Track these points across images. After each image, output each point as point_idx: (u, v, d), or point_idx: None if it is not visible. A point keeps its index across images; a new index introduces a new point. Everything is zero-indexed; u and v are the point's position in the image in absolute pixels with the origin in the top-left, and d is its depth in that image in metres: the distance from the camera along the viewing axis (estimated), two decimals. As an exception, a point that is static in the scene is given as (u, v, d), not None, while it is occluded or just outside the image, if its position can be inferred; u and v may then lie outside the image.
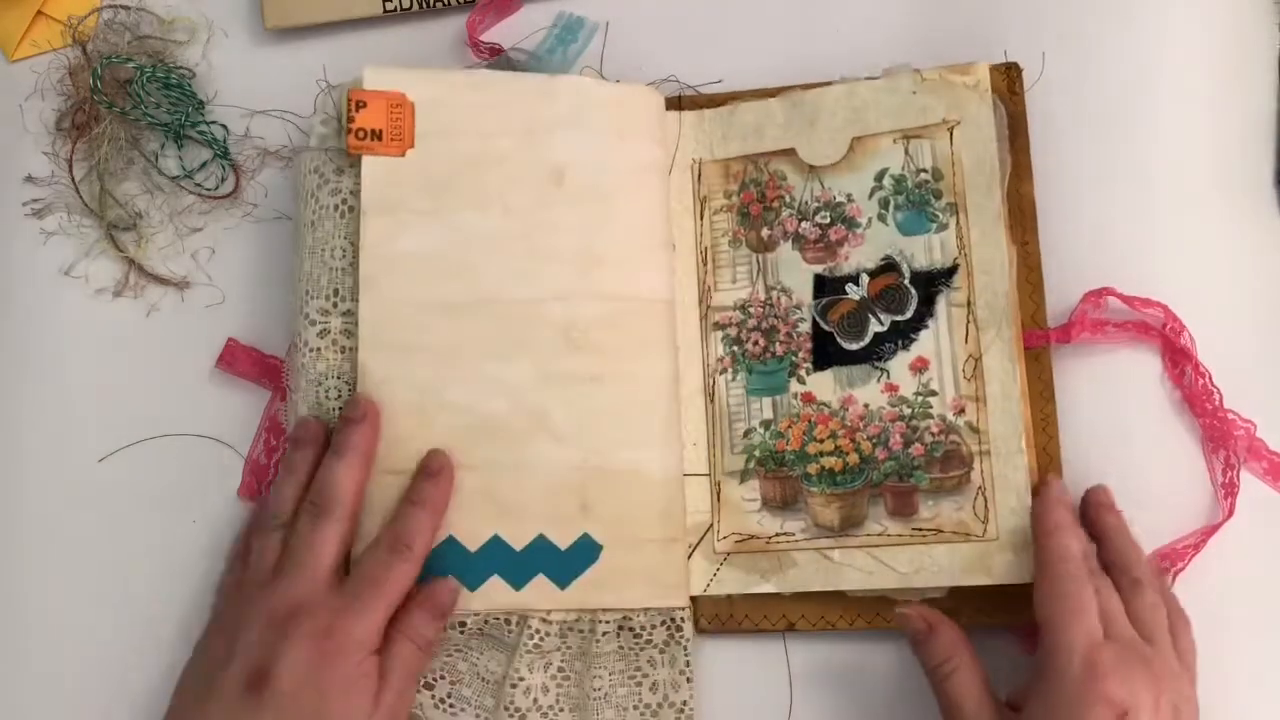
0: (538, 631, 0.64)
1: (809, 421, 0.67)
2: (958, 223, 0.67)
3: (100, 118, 0.73)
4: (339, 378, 0.66)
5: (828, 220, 0.69)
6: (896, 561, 0.65)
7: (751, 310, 0.69)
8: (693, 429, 0.69)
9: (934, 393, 0.66)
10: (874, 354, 0.67)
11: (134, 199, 0.74)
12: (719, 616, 0.66)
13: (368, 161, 0.67)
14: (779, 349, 0.69)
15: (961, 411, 0.65)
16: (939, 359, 0.66)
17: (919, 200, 0.68)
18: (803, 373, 0.68)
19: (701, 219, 0.71)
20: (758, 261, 0.70)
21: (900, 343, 0.67)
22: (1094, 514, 0.64)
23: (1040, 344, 0.66)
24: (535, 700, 0.64)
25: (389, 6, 0.74)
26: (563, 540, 0.65)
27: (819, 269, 0.69)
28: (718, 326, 0.69)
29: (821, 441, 0.67)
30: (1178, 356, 0.66)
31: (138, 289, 0.73)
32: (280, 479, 0.65)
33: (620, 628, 0.65)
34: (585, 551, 0.65)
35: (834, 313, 0.68)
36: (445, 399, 0.66)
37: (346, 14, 0.75)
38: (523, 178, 0.68)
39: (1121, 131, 0.70)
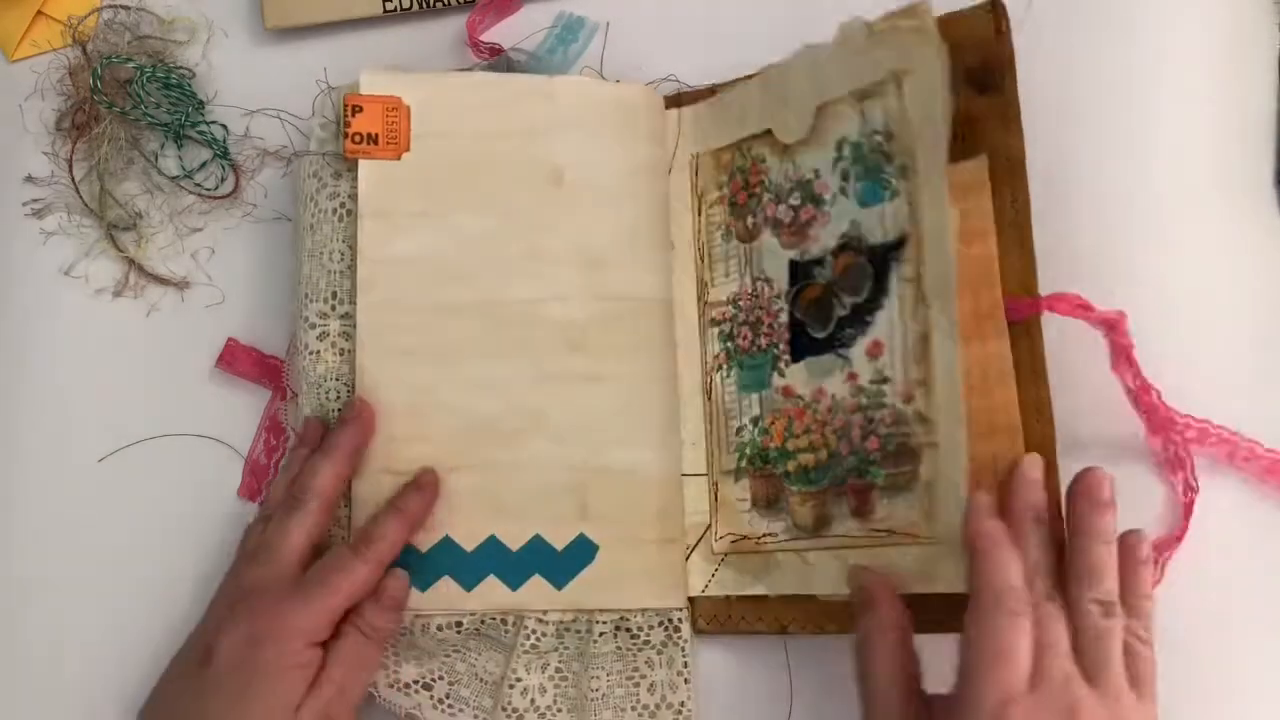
0: (534, 632, 0.65)
1: (789, 417, 0.65)
2: (908, 188, 0.61)
3: (100, 118, 0.73)
4: (338, 380, 0.66)
5: (799, 201, 0.66)
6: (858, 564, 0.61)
7: (740, 304, 0.68)
8: (692, 428, 0.68)
9: (886, 379, 0.61)
10: (837, 340, 0.63)
11: (134, 199, 0.74)
12: (717, 617, 0.66)
13: (364, 165, 0.67)
14: (763, 342, 0.67)
15: (910, 399, 0.60)
16: (891, 341, 0.61)
17: (874, 167, 0.62)
18: (782, 365, 0.66)
19: (699, 215, 0.70)
20: (744, 253, 0.68)
21: (859, 327, 0.62)
22: (1073, 506, 0.58)
23: (1029, 314, 0.60)
24: (533, 701, 0.64)
25: (389, 6, 0.74)
26: (559, 541, 0.65)
27: (793, 254, 0.66)
28: (714, 323, 0.69)
29: (798, 437, 0.64)
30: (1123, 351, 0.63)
31: (138, 289, 0.73)
32: (279, 476, 0.66)
33: (617, 628, 0.65)
34: (582, 552, 0.65)
35: (803, 299, 0.65)
36: (443, 400, 0.66)
37: (346, 14, 0.75)
38: (521, 179, 0.68)
39: (1121, 131, 0.69)
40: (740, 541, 0.66)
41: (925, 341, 0.60)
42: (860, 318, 0.62)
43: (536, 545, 0.65)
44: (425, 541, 0.65)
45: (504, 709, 0.64)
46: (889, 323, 0.61)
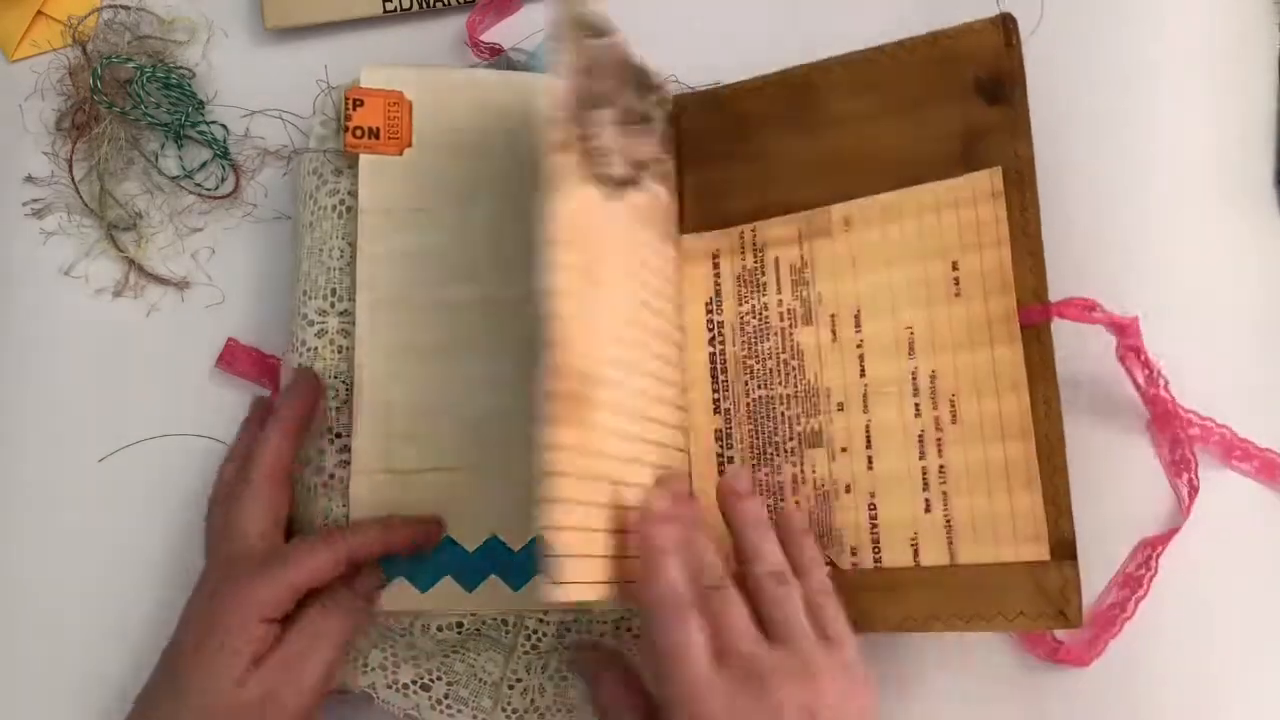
0: (535, 632, 0.64)
1: None
2: None
3: (100, 118, 0.73)
4: (336, 377, 0.66)
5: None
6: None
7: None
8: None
9: None
10: None
11: (134, 199, 0.74)
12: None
13: (365, 160, 0.67)
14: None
15: None
16: None
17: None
18: None
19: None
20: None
21: None
22: (722, 503, 0.62)
23: (1039, 320, 0.62)
24: (533, 701, 0.64)
25: (389, 6, 0.75)
26: None
27: None
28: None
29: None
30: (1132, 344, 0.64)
31: (138, 289, 0.74)
32: (226, 457, 0.68)
33: (618, 628, 0.65)
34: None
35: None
36: (444, 398, 0.66)
37: (346, 14, 0.75)
38: (521, 176, 0.68)
39: (1120, 131, 0.69)
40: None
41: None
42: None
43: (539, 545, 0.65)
44: (426, 542, 0.65)
45: (504, 709, 0.64)
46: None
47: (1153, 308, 0.65)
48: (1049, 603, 0.60)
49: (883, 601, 0.63)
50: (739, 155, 0.69)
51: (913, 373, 0.63)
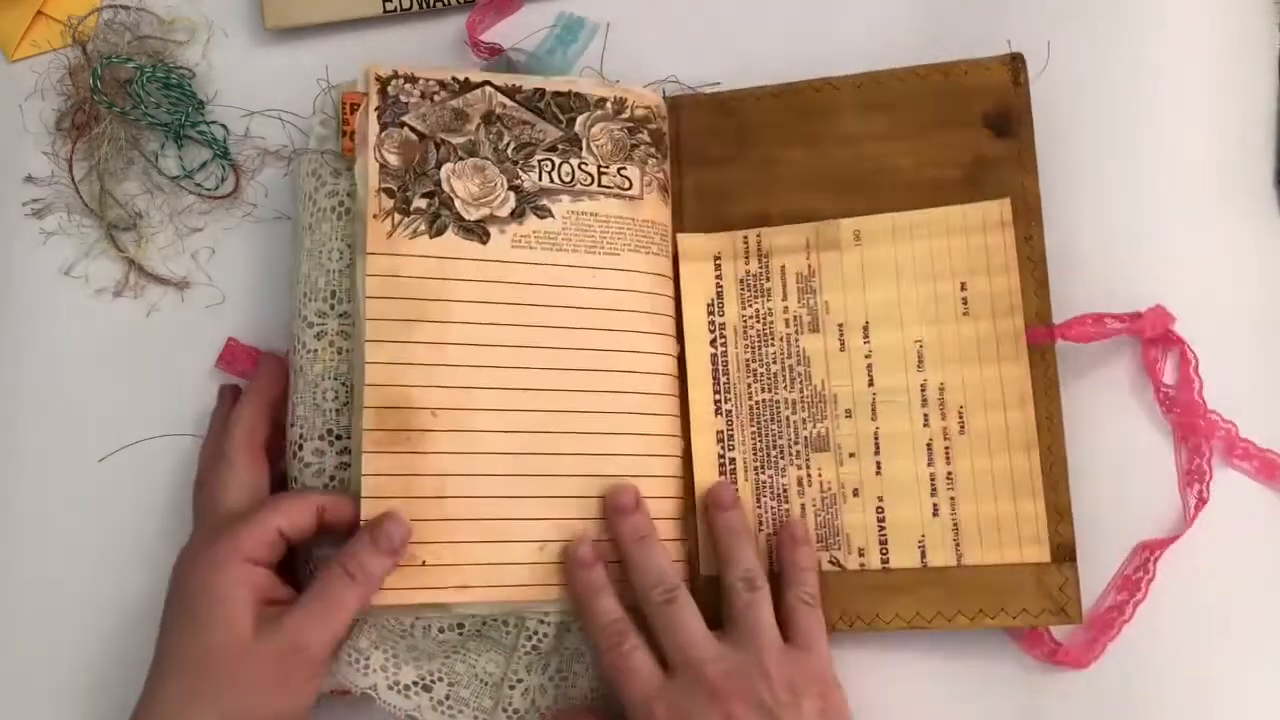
0: (535, 633, 0.65)
1: None
2: None
3: (100, 118, 0.73)
4: (336, 379, 0.66)
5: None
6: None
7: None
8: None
9: None
10: None
11: (134, 199, 0.74)
12: (719, 617, 0.66)
13: (363, 163, 0.67)
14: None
15: None
16: None
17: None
18: None
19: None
20: None
21: None
22: (704, 515, 0.66)
23: (1045, 340, 0.65)
24: (533, 701, 0.64)
25: (389, 6, 0.74)
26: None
27: None
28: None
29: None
30: (1166, 343, 0.66)
31: (138, 289, 0.73)
32: (203, 442, 0.70)
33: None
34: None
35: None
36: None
37: (346, 14, 0.75)
38: (521, 175, 0.69)
39: (1121, 132, 0.70)
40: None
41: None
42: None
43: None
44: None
45: (504, 709, 0.64)
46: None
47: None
48: (1050, 600, 0.64)
49: (891, 601, 0.65)
50: (742, 161, 0.70)
51: (922, 384, 0.66)
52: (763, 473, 0.67)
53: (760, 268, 0.69)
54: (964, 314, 0.66)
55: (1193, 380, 0.65)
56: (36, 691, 0.69)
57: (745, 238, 0.69)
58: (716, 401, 0.68)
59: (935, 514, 0.65)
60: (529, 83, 0.69)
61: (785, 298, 0.68)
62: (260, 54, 0.76)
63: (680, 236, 0.69)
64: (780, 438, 0.67)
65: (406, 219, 0.66)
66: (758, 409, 0.68)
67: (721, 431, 0.68)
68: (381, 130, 0.67)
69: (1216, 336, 0.66)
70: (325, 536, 0.64)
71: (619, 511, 0.64)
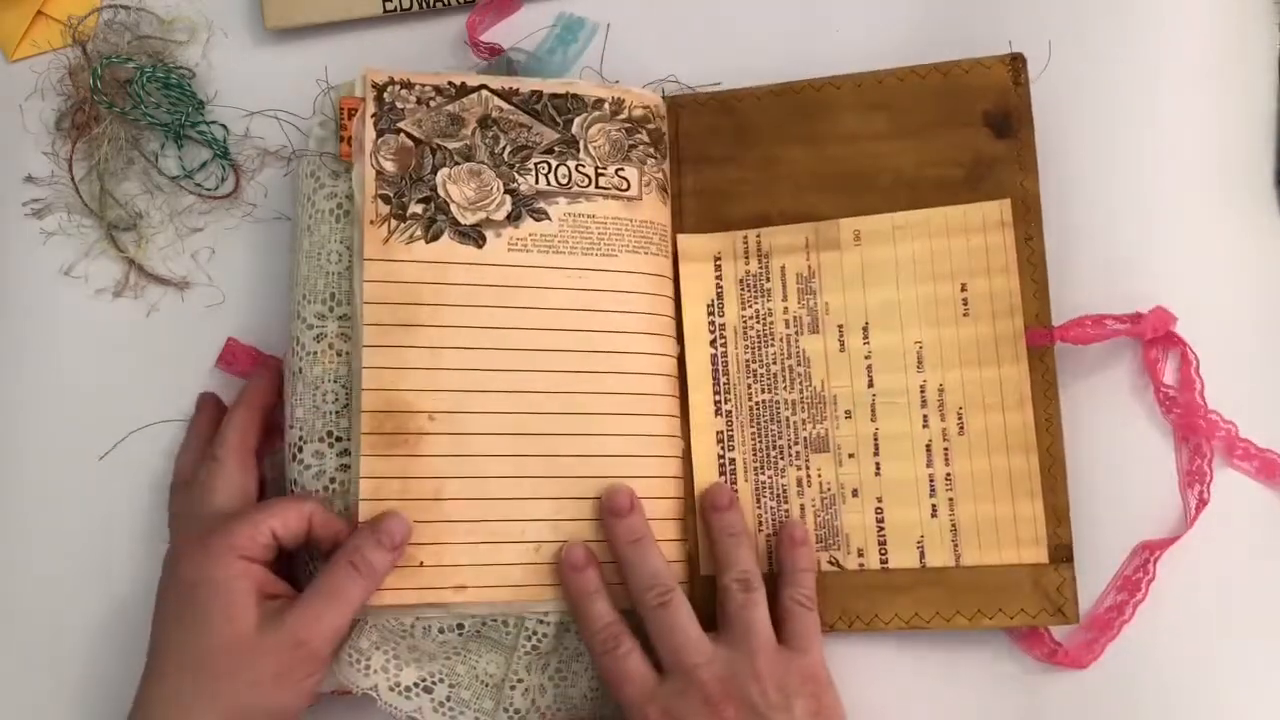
0: (535, 633, 0.65)
1: None
2: None
3: (100, 118, 0.73)
4: (335, 381, 0.66)
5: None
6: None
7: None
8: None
9: None
10: None
11: (134, 199, 0.74)
12: (717, 617, 0.66)
13: (359, 169, 0.67)
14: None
15: None
16: None
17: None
18: None
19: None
20: None
21: None
22: (701, 515, 0.67)
23: (1044, 343, 0.66)
24: (534, 701, 0.65)
25: (389, 6, 0.74)
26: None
27: None
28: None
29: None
30: (1167, 344, 0.66)
31: (138, 289, 0.73)
32: (181, 447, 0.70)
33: (617, 629, 0.66)
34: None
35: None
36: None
37: (346, 14, 0.75)
38: (520, 177, 0.69)
39: (1121, 132, 0.70)
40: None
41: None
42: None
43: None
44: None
45: (505, 710, 0.64)
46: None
47: (1151, 307, 0.65)
48: (1048, 601, 0.64)
49: (890, 601, 0.65)
50: (742, 161, 0.70)
51: (921, 386, 0.66)
52: (762, 473, 0.67)
53: (760, 268, 0.69)
54: (964, 315, 0.66)
55: (1194, 381, 0.65)
56: (36, 689, 0.69)
57: (745, 238, 0.69)
58: (716, 402, 0.68)
59: (934, 515, 0.65)
60: (526, 85, 0.69)
61: (785, 298, 0.68)
62: (260, 54, 0.76)
63: (680, 237, 0.69)
64: (780, 438, 0.67)
65: (403, 225, 0.66)
66: (758, 410, 0.68)
67: (721, 432, 0.68)
68: (378, 137, 0.67)
69: (1216, 336, 0.66)
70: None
71: (614, 514, 0.64)
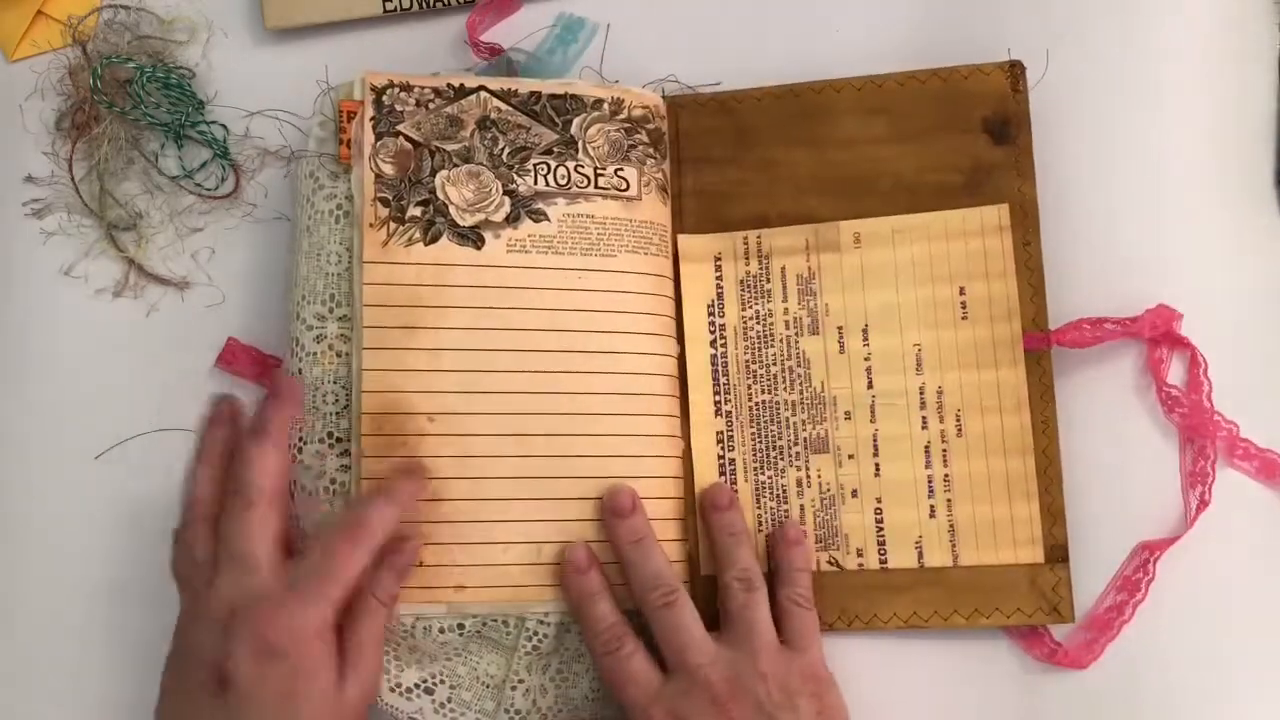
0: (536, 633, 0.65)
1: None
2: None
3: (100, 118, 0.73)
4: (335, 382, 0.66)
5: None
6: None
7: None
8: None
9: None
10: None
11: (134, 199, 0.74)
12: (719, 617, 0.66)
13: (358, 173, 0.67)
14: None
15: None
16: None
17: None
18: None
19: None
20: None
21: None
22: (701, 514, 0.67)
23: (1041, 346, 0.66)
24: (534, 702, 0.65)
25: (389, 6, 0.74)
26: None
27: None
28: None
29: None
30: (1173, 345, 0.67)
31: (138, 289, 0.73)
32: (196, 465, 0.64)
33: (617, 629, 0.65)
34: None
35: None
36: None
37: (346, 14, 0.75)
38: (520, 179, 0.69)
39: (1121, 134, 0.70)
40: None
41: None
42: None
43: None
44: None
45: (506, 711, 0.64)
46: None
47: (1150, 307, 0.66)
48: (1044, 600, 0.64)
49: (888, 600, 0.66)
50: (742, 162, 0.70)
51: (920, 388, 0.66)
52: (762, 474, 0.67)
53: (760, 269, 0.69)
54: (962, 318, 0.67)
55: (1202, 383, 0.65)
56: (36, 689, 0.69)
57: (745, 239, 0.69)
58: (716, 402, 0.68)
59: (932, 515, 0.66)
60: (525, 86, 0.69)
61: (785, 299, 0.68)
62: (260, 54, 0.76)
63: (680, 237, 0.69)
64: (780, 439, 0.67)
65: (401, 227, 0.66)
66: (758, 410, 0.68)
67: (721, 432, 0.68)
68: (377, 140, 0.67)
69: (1216, 337, 0.66)
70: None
71: (616, 514, 0.64)
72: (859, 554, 0.66)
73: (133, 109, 0.73)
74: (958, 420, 0.66)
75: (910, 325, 0.67)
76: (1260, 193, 0.70)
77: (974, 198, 0.68)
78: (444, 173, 0.67)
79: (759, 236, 0.69)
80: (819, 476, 0.67)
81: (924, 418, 0.66)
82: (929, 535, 0.66)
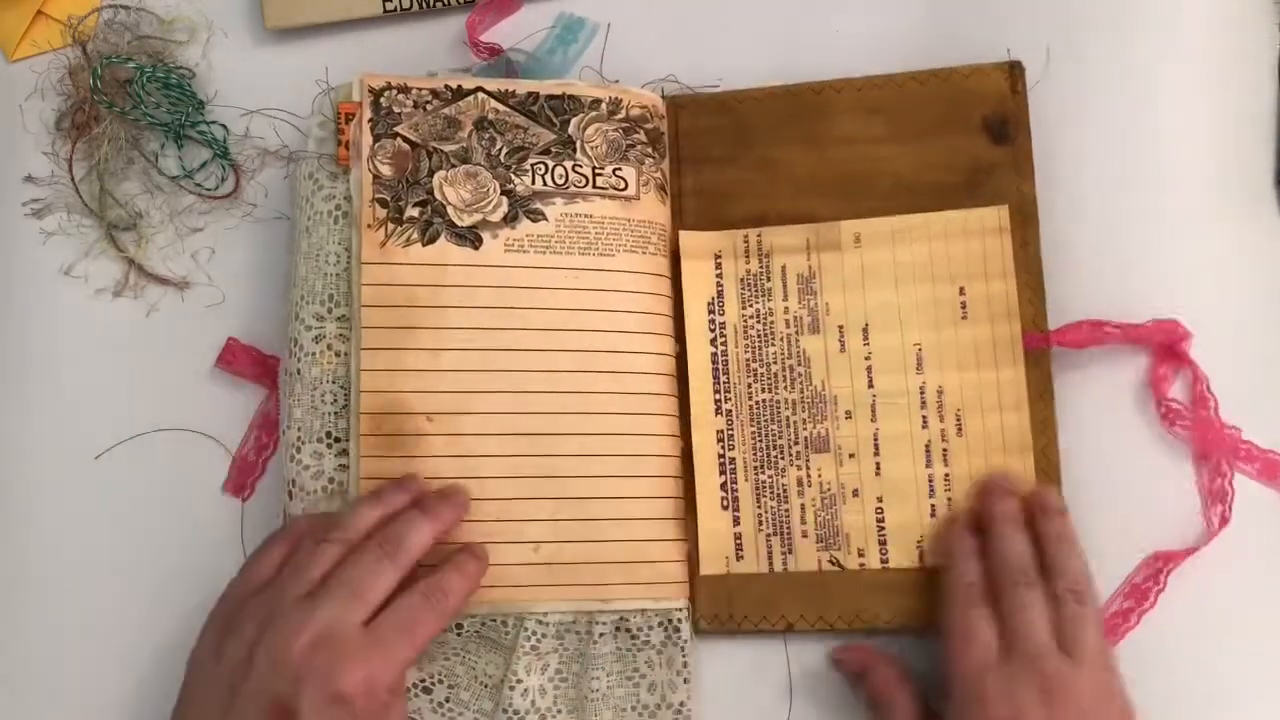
0: (534, 633, 0.65)
1: None
2: None
3: (100, 118, 0.73)
4: (334, 382, 0.66)
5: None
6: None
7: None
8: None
9: None
10: None
11: (134, 199, 0.74)
12: (718, 617, 0.66)
13: (357, 174, 0.67)
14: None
15: None
16: None
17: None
18: None
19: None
20: None
21: None
22: (1030, 517, 0.64)
23: (1040, 347, 0.66)
24: (533, 702, 0.64)
25: (389, 6, 0.74)
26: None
27: None
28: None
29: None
30: (1176, 362, 0.66)
31: (138, 289, 0.73)
32: (366, 502, 0.63)
33: (617, 629, 0.65)
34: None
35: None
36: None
37: (346, 14, 0.75)
38: (519, 180, 0.69)
39: (1121, 133, 0.70)
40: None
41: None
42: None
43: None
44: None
45: (504, 710, 0.64)
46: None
47: (1151, 308, 0.66)
48: None
49: (889, 601, 0.66)
50: (742, 161, 0.70)
51: (921, 387, 0.66)
52: (762, 472, 0.67)
53: (761, 267, 0.69)
54: (962, 318, 0.67)
55: (1207, 398, 0.65)
56: (36, 689, 0.69)
57: (746, 237, 0.69)
58: (717, 401, 0.68)
59: (933, 515, 0.66)
60: (522, 87, 0.69)
61: (786, 298, 0.68)
62: (260, 54, 0.76)
63: (682, 233, 0.69)
64: (780, 438, 0.67)
65: (399, 228, 0.66)
66: (758, 409, 0.68)
67: (721, 431, 0.68)
68: (374, 141, 0.67)
69: (1216, 338, 0.66)
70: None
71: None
72: (860, 554, 0.66)
73: (133, 109, 0.73)
74: (958, 420, 0.66)
75: (910, 325, 0.67)
76: (1260, 193, 0.70)
77: (973, 198, 0.68)
78: (442, 173, 0.67)
79: (759, 235, 0.69)
80: (819, 475, 0.67)
81: (924, 417, 0.66)
82: (930, 535, 0.66)
